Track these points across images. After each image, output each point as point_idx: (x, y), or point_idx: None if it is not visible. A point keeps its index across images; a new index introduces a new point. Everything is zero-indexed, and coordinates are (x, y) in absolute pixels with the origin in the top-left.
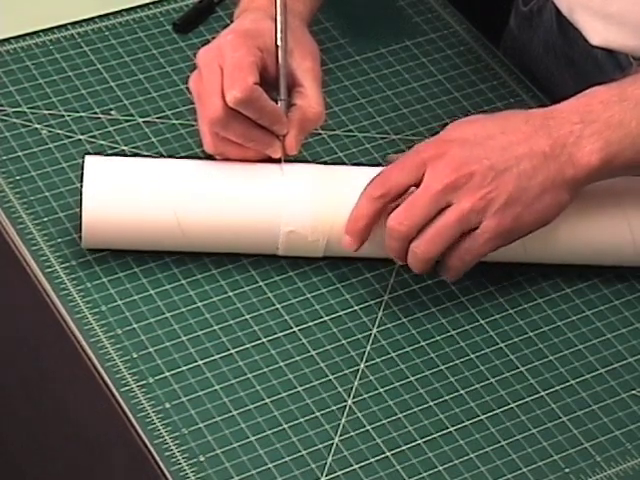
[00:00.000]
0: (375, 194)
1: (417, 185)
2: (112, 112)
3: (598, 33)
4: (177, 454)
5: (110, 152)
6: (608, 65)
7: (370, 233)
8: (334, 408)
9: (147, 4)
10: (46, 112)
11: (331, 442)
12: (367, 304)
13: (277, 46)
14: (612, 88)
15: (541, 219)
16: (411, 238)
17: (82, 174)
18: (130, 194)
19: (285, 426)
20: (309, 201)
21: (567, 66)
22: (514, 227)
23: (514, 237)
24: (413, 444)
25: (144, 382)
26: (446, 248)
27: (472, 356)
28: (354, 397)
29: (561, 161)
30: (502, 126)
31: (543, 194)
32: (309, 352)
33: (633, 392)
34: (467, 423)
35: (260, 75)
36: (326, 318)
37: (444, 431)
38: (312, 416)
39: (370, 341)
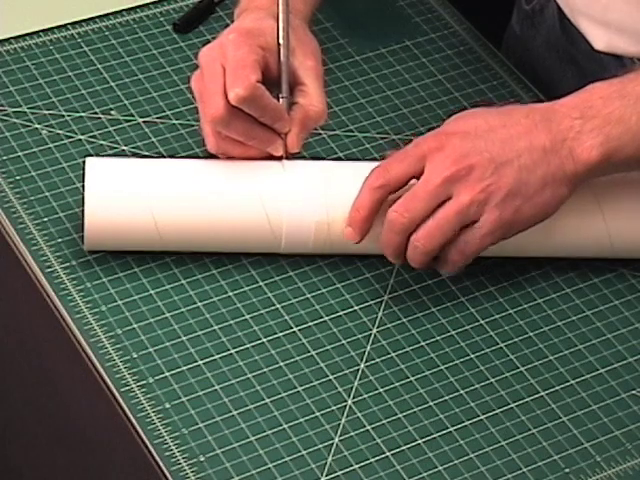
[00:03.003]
0: (375, 184)
1: (417, 177)
2: (112, 112)
3: (600, 39)
4: (177, 454)
5: (110, 152)
6: (611, 64)
7: (371, 224)
8: (334, 408)
9: (147, 4)
10: (46, 112)
11: (331, 442)
12: (367, 304)
13: (279, 44)
14: (612, 84)
15: (541, 213)
16: (411, 231)
17: (83, 176)
18: (132, 196)
19: (285, 426)
20: (311, 198)
21: (569, 65)
22: (514, 220)
23: (514, 231)
24: (413, 444)
25: (144, 382)
26: (446, 241)
27: (472, 356)
28: (354, 397)
29: (562, 156)
30: (503, 119)
31: (543, 188)
32: (309, 352)
33: (633, 392)
34: (467, 423)
35: (262, 74)
36: (326, 318)
37: (444, 431)
38: (312, 416)
39: (370, 341)
